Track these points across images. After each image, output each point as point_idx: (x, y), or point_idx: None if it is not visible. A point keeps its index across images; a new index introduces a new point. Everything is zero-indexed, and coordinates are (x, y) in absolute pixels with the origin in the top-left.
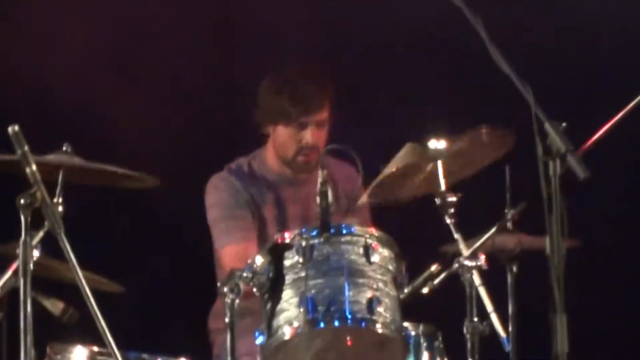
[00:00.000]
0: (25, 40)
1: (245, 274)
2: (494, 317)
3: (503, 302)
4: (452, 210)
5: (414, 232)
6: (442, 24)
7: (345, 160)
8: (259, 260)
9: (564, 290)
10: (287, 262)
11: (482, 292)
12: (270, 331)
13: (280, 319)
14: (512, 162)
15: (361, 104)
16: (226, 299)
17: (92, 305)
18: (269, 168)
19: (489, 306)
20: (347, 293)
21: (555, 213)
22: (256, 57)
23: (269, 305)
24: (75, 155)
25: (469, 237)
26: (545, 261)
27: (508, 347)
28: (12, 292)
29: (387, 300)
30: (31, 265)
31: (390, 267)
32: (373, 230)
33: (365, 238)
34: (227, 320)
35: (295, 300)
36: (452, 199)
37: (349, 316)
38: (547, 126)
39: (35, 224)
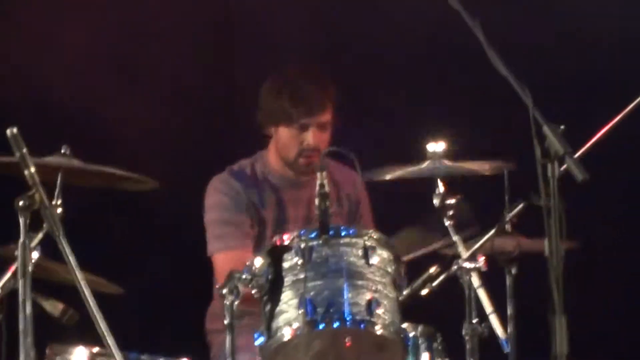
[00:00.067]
0: (23, 41)
1: (244, 276)
2: (493, 319)
3: (502, 304)
4: (451, 212)
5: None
6: (440, 25)
7: (347, 164)
8: (258, 262)
9: (563, 291)
10: (286, 264)
11: (481, 293)
12: (269, 332)
13: (280, 320)
14: (510, 164)
15: (360, 104)
16: (225, 301)
17: (91, 306)
18: (271, 170)
19: (488, 308)
20: (346, 295)
21: (554, 215)
22: (256, 57)
23: (268, 307)
24: (74, 157)
25: (467, 239)
26: (544, 263)
27: (507, 349)
28: (12, 294)
29: (386, 302)
30: (30, 266)
31: (390, 269)
32: (372, 232)
33: (364, 240)
34: (226, 322)
35: (295, 301)
36: (451, 201)
37: (348, 318)
38: (546, 129)
39: (34, 225)
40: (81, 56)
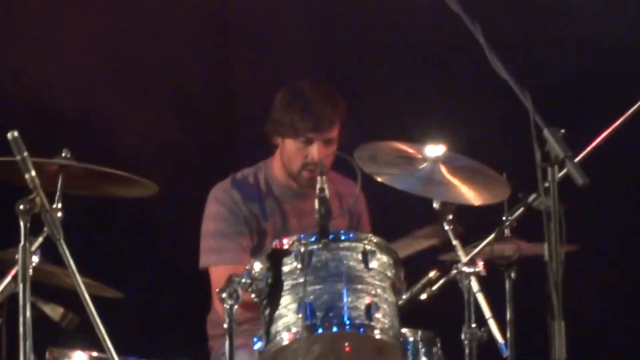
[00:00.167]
0: (24, 45)
1: (243, 280)
2: (492, 323)
3: (501, 308)
4: (450, 217)
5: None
6: (439, 28)
7: (349, 176)
8: (258, 266)
9: (562, 296)
10: (285, 268)
11: (481, 298)
12: (268, 337)
13: (279, 324)
14: (510, 168)
15: (359, 106)
16: (225, 305)
17: (91, 310)
18: (274, 180)
19: (487, 312)
20: (345, 299)
21: (554, 219)
22: (255, 62)
23: (267, 311)
24: (74, 160)
25: (467, 243)
26: (543, 267)
27: (506, 353)
28: (12, 298)
29: (385, 306)
30: (30, 270)
31: (389, 273)
32: (372, 237)
33: (364, 244)
34: (225, 325)
35: (294, 306)
36: (451, 205)
37: (348, 322)
38: (546, 132)
39: (34, 229)
40: (82, 60)
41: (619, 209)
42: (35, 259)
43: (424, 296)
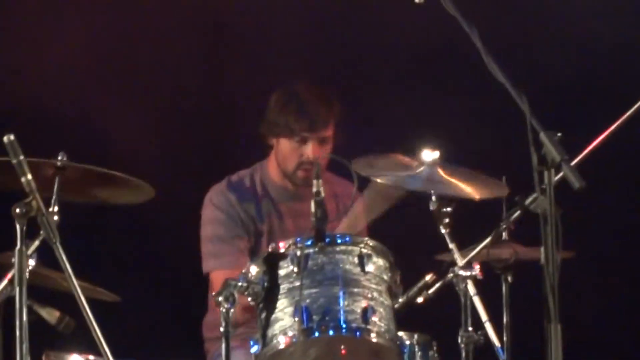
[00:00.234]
0: (20, 49)
1: (240, 283)
2: (488, 327)
3: (498, 312)
4: (447, 220)
5: (408, 241)
6: (436, 31)
7: (346, 176)
8: (254, 269)
9: (559, 300)
10: (282, 272)
11: (477, 301)
12: (265, 340)
13: (275, 328)
14: (507, 172)
15: (355, 109)
16: (221, 309)
17: (87, 314)
18: (270, 181)
19: (483, 316)
20: (341, 302)
21: (550, 223)
22: (250, 65)
23: (263, 315)
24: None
25: (463, 246)
26: (539, 271)
27: (503, 357)
28: (8, 301)
29: (381, 309)
30: (27, 274)
31: (385, 277)
32: (368, 240)
33: (360, 247)
34: (221, 329)
35: (290, 309)
36: (447, 208)
37: (344, 325)
38: (543, 136)
39: (31, 233)
40: (78, 63)
41: (615, 212)
42: (31, 262)
43: (420, 299)
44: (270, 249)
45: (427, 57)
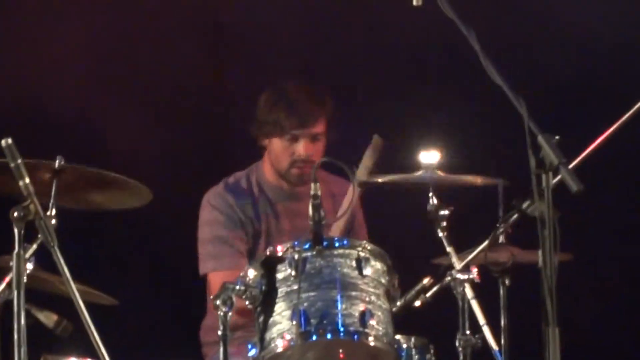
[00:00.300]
0: (16, 50)
1: (238, 287)
2: (486, 330)
3: (495, 315)
4: (444, 224)
5: (406, 245)
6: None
7: (343, 176)
8: (252, 273)
9: (557, 303)
10: (279, 275)
11: (475, 305)
12: (263, 344)
13: (273, 331)
14: (504, 175)
15: (354, 110)
16: (219, 312)
17: (85, 317)
18: (266, 181)
19: (481, 319)
20: (339, 306)
21: (548, 226)
22: (249, 68)
23: (261, 318)
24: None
25: (461, 250)
26: (537, 274)
27: None
28: (6, 305)
29: (379, 313)
30: (25, 277)
31: (383, 280)
32: (365, 243)
33: (358, 251)
34: (219, 332)
35: (288, 313)
36: (445, 212)
37: (342, 329)
38: (540, 139)
39: (28, 236)
40: (75, 67)
41: (613, 214)
42: (29, 266)
43: (418, 303)
44: (268, 252)
45: (426, 58)
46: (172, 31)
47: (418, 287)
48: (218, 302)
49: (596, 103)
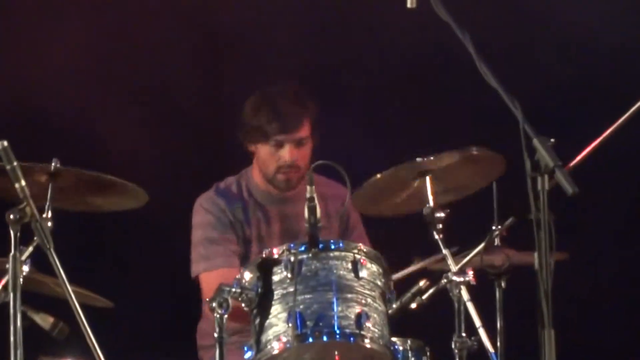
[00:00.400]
0: (14, 54)
1: (234, 289)
2: (482, 333)
3: (491, 318)
4: (440, 226)
5: (402, 247)
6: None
7: (336, 179)
8: (248, 275)
9: (552, 305)
10: (275, 277)
11: (471, 307)
12: (259, 346)
13: (269, 333)
14: (500, 177)
15: (349, 115)
16: (215, 314)
17: (81, 319)
18: (255, 186)
19: (477, 321)
20: (335, 308)
21: (544, 228)
22: (244, 73)
23: (257, 320)
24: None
25: (456, 252)
26: (533, 276)
27: None
28: (2, 307)
29: (375, 315)
30: (21, 280)
31: (379, 283)
32: (361, 246)
33: (354, 253)
34: (215, 335)
35: (284, 315)
36: (441, 214)
37: (338, 331)
38: (536, 142)
39: (24, 239)
40: (72, 69)
41: (610, 215)
42: (25, 268)
43: (414, 305)
44: (264, 255)
45: (424, 61)
46: (169, 36)
47: (414, 289)
48: (214, 304)
49: (596, 103)
